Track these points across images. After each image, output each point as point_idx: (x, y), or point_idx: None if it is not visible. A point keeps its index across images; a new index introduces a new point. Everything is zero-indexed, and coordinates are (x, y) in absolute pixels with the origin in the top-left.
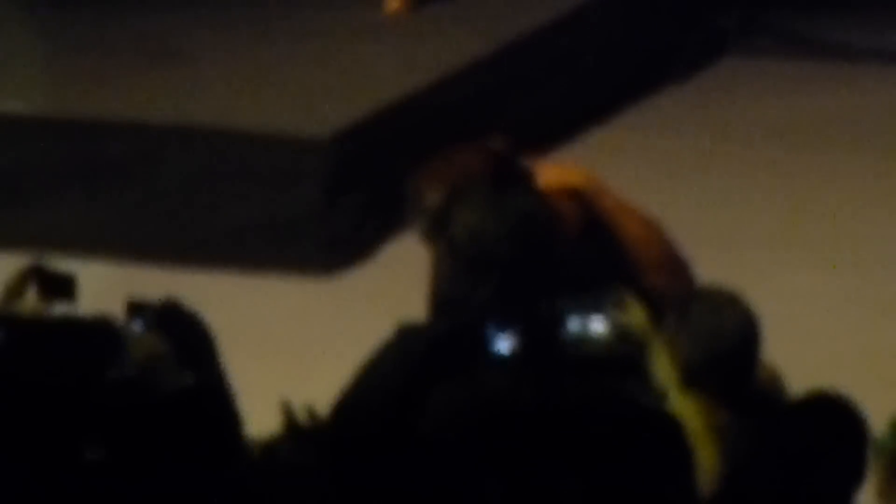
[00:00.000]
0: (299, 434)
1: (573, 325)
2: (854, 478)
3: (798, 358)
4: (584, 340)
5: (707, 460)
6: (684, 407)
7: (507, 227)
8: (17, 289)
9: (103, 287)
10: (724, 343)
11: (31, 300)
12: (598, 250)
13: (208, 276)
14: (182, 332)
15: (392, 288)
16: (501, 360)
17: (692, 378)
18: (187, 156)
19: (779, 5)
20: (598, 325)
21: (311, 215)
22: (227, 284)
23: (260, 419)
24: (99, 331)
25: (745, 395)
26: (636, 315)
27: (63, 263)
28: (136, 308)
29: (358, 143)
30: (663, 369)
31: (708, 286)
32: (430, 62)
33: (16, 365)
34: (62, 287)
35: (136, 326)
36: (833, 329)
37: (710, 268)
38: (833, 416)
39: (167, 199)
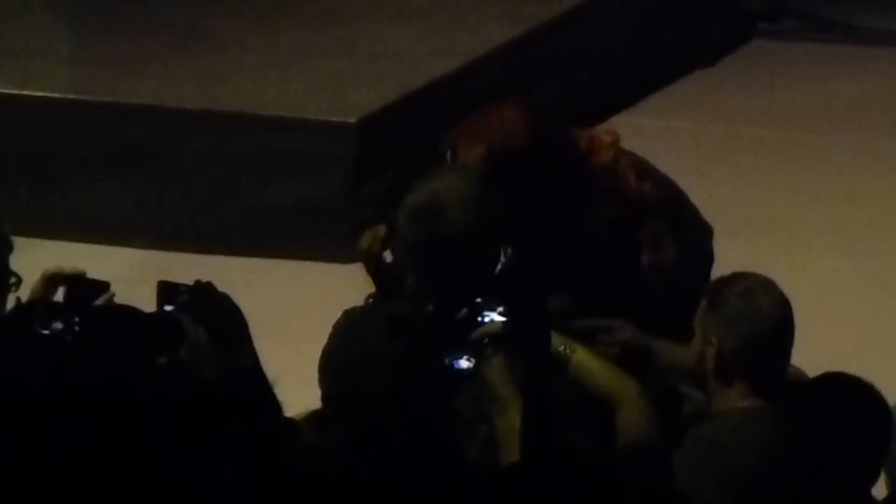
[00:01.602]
0: (323, 420)
1: None
2: (874, 461)
3: (821, 341)
4: None
5: (627, 416)
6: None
7: (421, 214)
8: (43, 293)
9: (132, 271)
10: (759, 329)
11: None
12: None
13: (235, 261)
14: (214, 314)
15: None
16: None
17: (726, 365)
18: (215, 140)
19: None
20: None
21: (339, 200)
22: (254, 269)
23: (287, 403)
24: (164, 322)
25: (778, 381)
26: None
27: (90, 248)
28: (169, 290)
29: (385, 127)
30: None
31: (741, 272)
32: (457, 46)
33: (88, 351)
34: (93, 293)
35: (170, 309)
36: (857, 313)
37: (736, 250)
38: (853, 399)
39: (194, 183)
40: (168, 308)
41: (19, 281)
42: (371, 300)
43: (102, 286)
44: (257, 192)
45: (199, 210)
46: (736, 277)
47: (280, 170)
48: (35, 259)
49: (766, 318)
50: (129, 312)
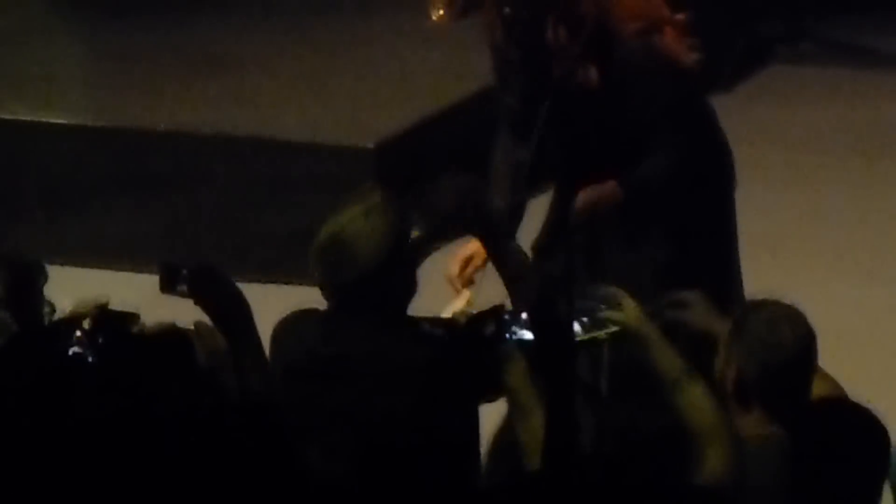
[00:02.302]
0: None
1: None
2: (874, 484)
3: (841, 367)
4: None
5: (714, 457)
6: (693, 399)
7: (326, 255)
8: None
9: (150, 296)
10: (780, 357)
11: None
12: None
13: (253, 286)
14: (216, 296)
15: (434, 295)
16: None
17: (745, 390)
18: (233, 165)
19: (823, 13)
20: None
21: None
22: (271, 294)
23: None
24: (168, 337)
25: (799, 409)
26: (630, 312)
27: (107, 273)
28: (170, 272)
29: (403, 152)
30: (665, 361)
31: (768, 299)
32: (475, 70)
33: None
34: (123, 325)
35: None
36: (877, 339)
37: (756, 275)
38: (851, 425)
39: (212, 208)
40: (174, 290)
41: (53, 310)
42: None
43: (132, 317)
44: (275, 216)
45: (216, 234)
46: (762, 305)
47: (298, 194)
48: (53, 285)
49: (788, 348)
50: (140, 334)
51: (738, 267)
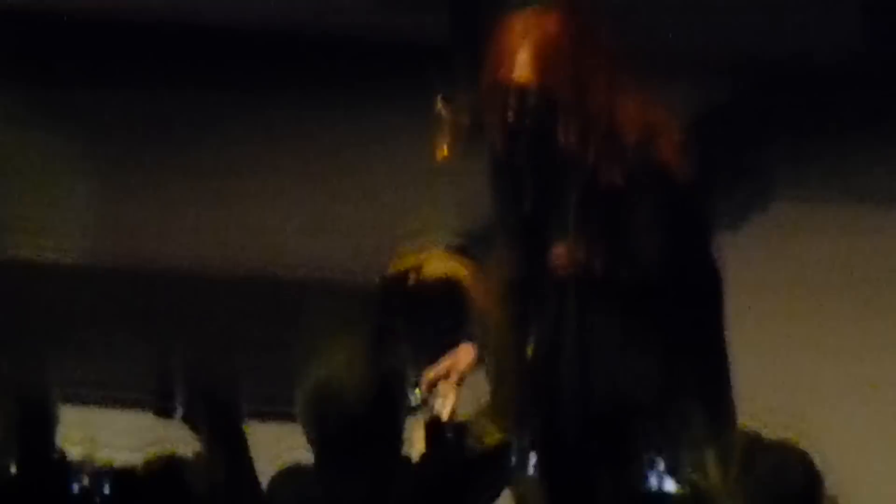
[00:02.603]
0: None
1: (651, 481)
2: None
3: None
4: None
5: None
6: None
7: (318, 403)
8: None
9: (154, 436)
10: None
11: None
12: None
13: (259, 424)
14: (211, 421)
15: None
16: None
17: None
18: (238, 302)
19: (828, 148)
20: (671, 486)
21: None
22: (277, 431)
23: None
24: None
25: None
26: (714, 479)
27: (111, 411)
28: (166, 397)
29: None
30: None
31: (777, 440)
32: (482, 206)
33: None
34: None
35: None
36: (884, 476)
37: (762, 411)
38: None
39: (219, 344)
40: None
41: (64, 457)
42: None
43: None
44: (280, 352)
45: (224, 370)
46: (770, 446)
47: (304, 331)
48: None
49: (794, 494)
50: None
51: (730, 382)
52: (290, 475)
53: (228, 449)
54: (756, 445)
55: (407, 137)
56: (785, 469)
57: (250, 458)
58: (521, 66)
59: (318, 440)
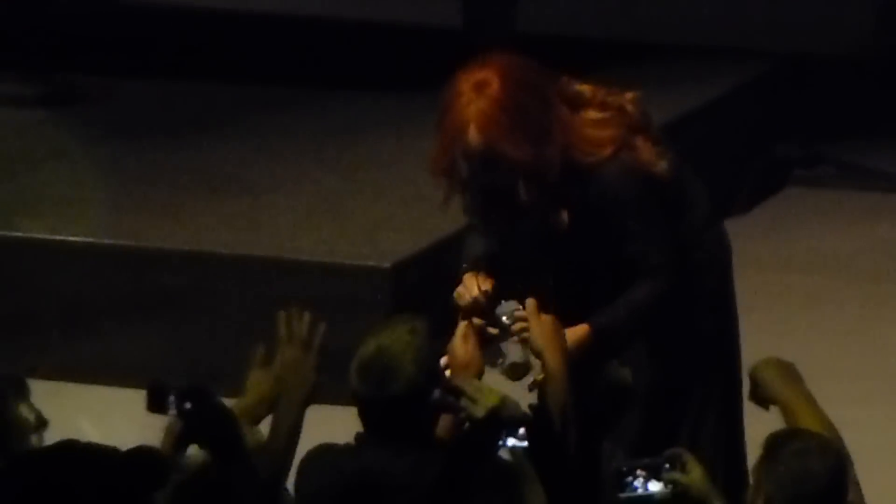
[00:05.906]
0: None
1: (634, 485)
2: None
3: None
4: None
5: None
6: None
7: (371, 370)
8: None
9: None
10: (807, 492)
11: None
12: None
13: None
14: (204, 416)
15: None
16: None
17: None
18: (248, 286)
19: (841, 136)
20: (656, 487)
21: None
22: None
23: None
24: (143, 459)
25: None
26: (695, 474)
27: (123, 392)
28: (158, 393)
29: (419, 273)
30: None
31: (800, 428)
32: None
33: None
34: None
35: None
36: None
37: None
38: None
39: (228, 329)
40: (163, 410)
41: (43, 423)
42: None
43: None
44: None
45: (232, 356)
46: (793, 434)
47: (313, 315)
48: (66, 403)
49: (816, 481)
50: (104, 454)
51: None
52: (321, 454)
53: (222, 444)
54: (779, 435)
55: (420, 127)
56: (808, 455)
57: (246, 453)
58: (470, 132)
59: (371, 402)
